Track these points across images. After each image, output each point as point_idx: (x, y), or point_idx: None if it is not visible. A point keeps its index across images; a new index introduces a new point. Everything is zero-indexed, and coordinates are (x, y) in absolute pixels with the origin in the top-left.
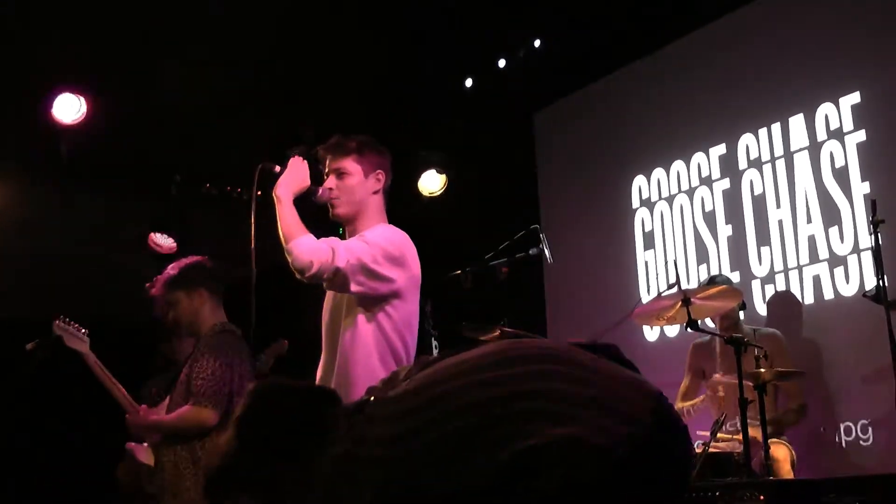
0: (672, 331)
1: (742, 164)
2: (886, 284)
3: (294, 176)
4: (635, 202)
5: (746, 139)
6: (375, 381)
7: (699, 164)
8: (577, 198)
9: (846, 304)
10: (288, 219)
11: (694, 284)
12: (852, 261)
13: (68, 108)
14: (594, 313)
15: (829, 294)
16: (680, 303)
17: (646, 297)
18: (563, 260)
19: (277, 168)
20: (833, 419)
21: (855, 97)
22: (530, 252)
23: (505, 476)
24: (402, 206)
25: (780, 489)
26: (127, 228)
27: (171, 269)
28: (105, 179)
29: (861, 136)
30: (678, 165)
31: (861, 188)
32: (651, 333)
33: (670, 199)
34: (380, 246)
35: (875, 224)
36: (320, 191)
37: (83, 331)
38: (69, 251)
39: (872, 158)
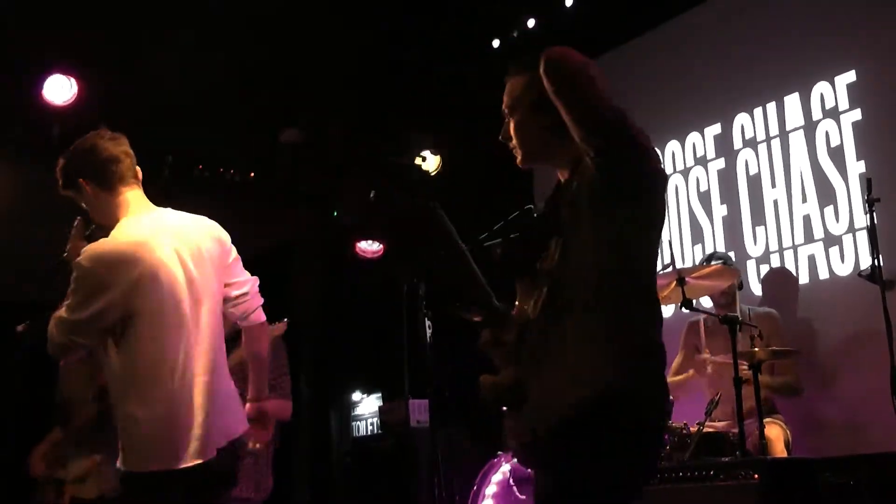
0: (667, 311)
1: (737, 143)
2: (882, 264)
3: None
4: None
5: (741, 119)
6: (123, 427)
7: (694, 144)
8: None
9: (841, 284)
10: None
11: (689, 264)
12: (847, 240)
13: (59, 90)
14: None
15: (824, 274)
16: (674, 282)
17: None
18: None
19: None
20: (828, 398)
21: (850, 76)
22: None
23: None
24: (400, 188)
25: (774, 468)
26: None
27: None
28: None
29: (857, 115)
30: (673, 145)
31: (856, 167)
32: None
33: None
34: (75, 291)
35: (870, 203)
36: (94, 229)
37: None
38: (58, 233)
39: (868, 137)
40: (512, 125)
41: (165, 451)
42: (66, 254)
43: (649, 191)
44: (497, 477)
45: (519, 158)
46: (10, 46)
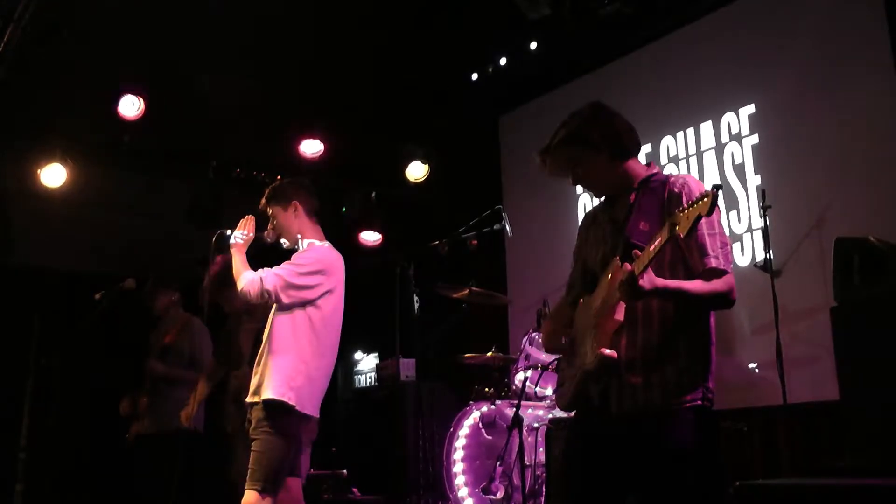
0: None
1: (664, 159)
2: (772, 257)
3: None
4: (578, 189)
5: (667, 140)
6: (288, 372)
7: None
8: (532, 186)
9: (741, 273)
10: (237, 265)
11: None
12: (747, 238)
13: (130, 106)
14: (544, 277)
15: None
16: None
17: None
18: (519, 234)
19: (229, 231)
20: (728, 362)
21: (751, 108)
22: (494, 227)
23: None
24: (395, 189)
25: None
26: (175, 203)
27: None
28: (158, 163)
29: (755, 139)
30: None
31: (754, 180)
32: None
33: None
34: (301, 264)
35: (764, 209)
36: (265, 235)
37: None
38: (127, 220)
39: (763, 157)
40: (583, 173)
41: (319, 396)
42: (227, 230)
43: None
44: (469, 421)
45: (597, 193)
46: (93, 72)
